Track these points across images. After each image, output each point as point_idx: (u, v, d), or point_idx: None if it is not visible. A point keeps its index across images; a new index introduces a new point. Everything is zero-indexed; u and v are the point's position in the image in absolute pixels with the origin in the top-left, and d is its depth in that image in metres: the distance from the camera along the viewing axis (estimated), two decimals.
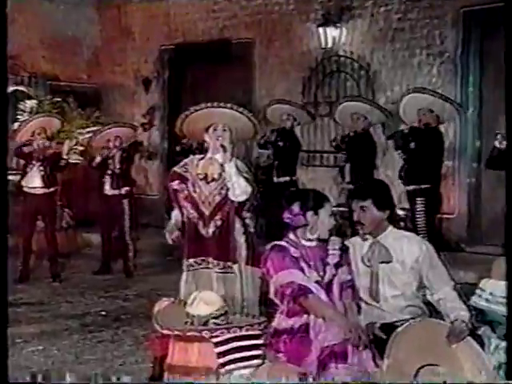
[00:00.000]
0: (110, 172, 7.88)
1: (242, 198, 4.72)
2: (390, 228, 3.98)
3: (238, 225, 4.79)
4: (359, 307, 3.84)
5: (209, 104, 4.80)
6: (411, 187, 7.06)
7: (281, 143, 8.28)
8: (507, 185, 3.48)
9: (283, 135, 8.32)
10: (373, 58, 9.04)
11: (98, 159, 7.91)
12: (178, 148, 8.81)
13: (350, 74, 9.23)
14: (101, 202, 8.05)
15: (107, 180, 7.88)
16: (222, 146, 4.69)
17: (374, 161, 7.87)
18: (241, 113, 4.82)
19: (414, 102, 7.07)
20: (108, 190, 7.88)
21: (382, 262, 3.89)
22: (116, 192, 7.85)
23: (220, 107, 4.78)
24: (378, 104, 8.14)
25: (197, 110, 4.82)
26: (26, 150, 7.54)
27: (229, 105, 4.80)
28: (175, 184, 4.83)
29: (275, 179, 8.24)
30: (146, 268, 8.34)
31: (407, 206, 7.25)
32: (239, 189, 4.67)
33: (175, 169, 4.93)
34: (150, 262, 8.62)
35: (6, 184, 3.60)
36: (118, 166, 7.88)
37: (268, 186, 8.03)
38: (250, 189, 4.72)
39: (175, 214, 4.91)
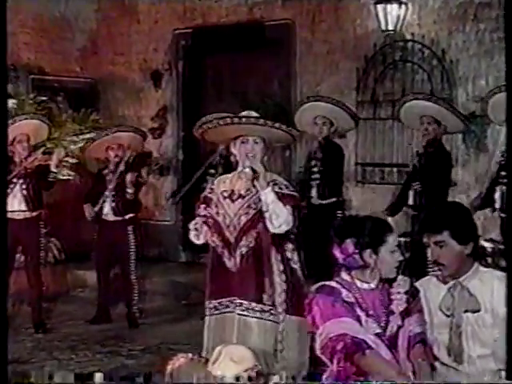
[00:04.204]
0: (110, 192, 7.93)
1: (283, 229, 4.78)
2: (476, 266, 3.95)
3: (274, 259, 4.82)
4: (433, 369, 3.81)
5: (236, 119, 4.91)
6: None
7: (320, 155, 8.30)
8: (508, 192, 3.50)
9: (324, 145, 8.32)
10: (449, 43, 9.02)
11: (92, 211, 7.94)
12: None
13: (418, 65, 9.21)
14: (99, 230, 8.09)
15: (108, 202, 7.94)
16: (253, 169, 4.81)
17: (448, 178, 7.78)
18: (277, 128, 4.91)
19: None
20: (108, 214, 7.95)
21: (467, 311, 3.88)
22: (119, 217, 7.92)
23: (249, 123, 4.88)
24: (455, 108, 8.00)
25: (220, 125, 4.92)
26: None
27: (261, 121, 4.93)
28: (202, 210, 4.94)
29: (315, 201, 8.20)
30: (156, 315, 8.36)
31: (495, 236, 7.16)
32: (279, 219, 4.75)
33: (204, 193, 5.09)
34: (160, 307, 8.65)
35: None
36: (120, 185, 7.89)
37: (308, 209, 8.02)
38: (292, 217, 4.78)
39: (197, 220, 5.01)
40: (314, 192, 8.22)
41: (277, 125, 4.91)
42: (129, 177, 7.83)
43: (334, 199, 8.20)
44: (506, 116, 3.65)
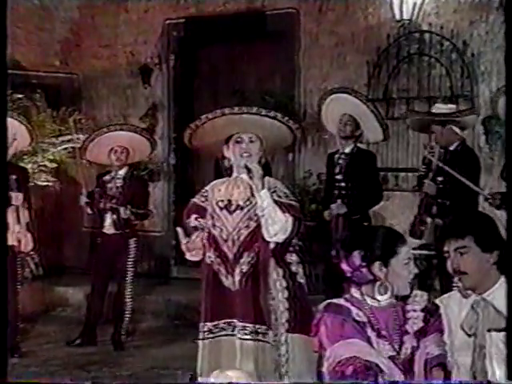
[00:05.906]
0: (113, 203, 7.95)
1: (280, 238, 4.77)
2: (502, 280, 3.94)
3: (275, 274, 4.82)
4: None
5: (226, 110, 4.92)
6: None
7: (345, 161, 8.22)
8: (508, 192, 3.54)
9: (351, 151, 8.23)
10: (471, 35, 9.04)
11: (84, 199, 7.97)
12: None
13: (436, 58, 9.23)
14: (98, 244, 8.17)
15: (108, 214, 7.98)
16: (248, 168, 4.78)
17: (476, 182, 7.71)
18: (273, 118, 4.91)
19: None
20: (109, 227, 7.99)
21: (491, 330, 3.87)
22: (120, 231, 7.97)
23: (243, 113, 4.89)
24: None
25: (210, 119, 4.92)
26: None
27: (254, 109, 4.94)
28: (193, 220, 4.92)
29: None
30: (144, 336, 8.39)
31: None
32: (275, 225, 4.74)
33: (194, 200, 5.05)
34: (149, 328, 8.67)
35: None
36: (125, 194, 7.95)
37: (320, 220, 7.98)
38: (290, 225, 4.77)
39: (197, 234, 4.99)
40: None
41: (272, 114, 4.93)
42: (122, 213, 7.90)
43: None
44: (506, 116, 3.67)
